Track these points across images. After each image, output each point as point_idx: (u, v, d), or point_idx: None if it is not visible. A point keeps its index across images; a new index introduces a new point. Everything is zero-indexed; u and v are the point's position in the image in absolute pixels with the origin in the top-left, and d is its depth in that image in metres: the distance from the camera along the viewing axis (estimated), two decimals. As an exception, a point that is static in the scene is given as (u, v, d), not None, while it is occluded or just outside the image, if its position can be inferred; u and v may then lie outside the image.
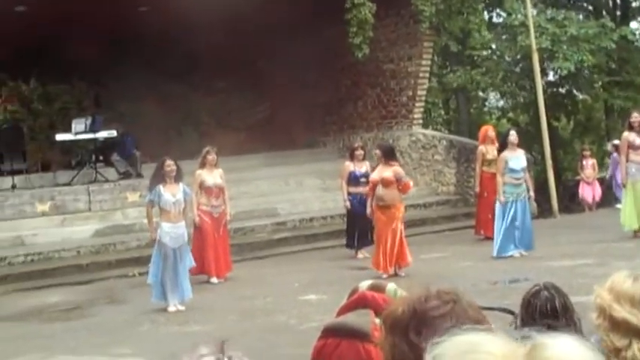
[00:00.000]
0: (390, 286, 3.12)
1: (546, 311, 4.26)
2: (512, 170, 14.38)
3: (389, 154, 13.85)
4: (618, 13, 30.78)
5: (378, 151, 13.96)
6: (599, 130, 33.14)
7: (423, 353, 2.00)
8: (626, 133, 15.11)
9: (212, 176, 14.23)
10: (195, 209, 13.80)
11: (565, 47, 23.43)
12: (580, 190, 22.21)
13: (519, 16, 23.26)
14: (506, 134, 15.05)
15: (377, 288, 3.11)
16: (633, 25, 30.74)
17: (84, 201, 18.28)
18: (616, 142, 19.97)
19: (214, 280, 14.06)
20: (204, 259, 14.02)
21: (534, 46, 20.67)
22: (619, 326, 3.26)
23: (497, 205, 14.46)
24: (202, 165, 14.30)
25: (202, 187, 14.14)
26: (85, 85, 22.09)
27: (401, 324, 2.07)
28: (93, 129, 18.88)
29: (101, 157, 19.73)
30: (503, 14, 28.31)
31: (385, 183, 13.43)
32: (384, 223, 13.41)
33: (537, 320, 4.26)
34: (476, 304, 2.10)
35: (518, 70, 27.70)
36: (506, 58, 27.87)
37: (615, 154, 20.35)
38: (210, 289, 13.66)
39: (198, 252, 13.83)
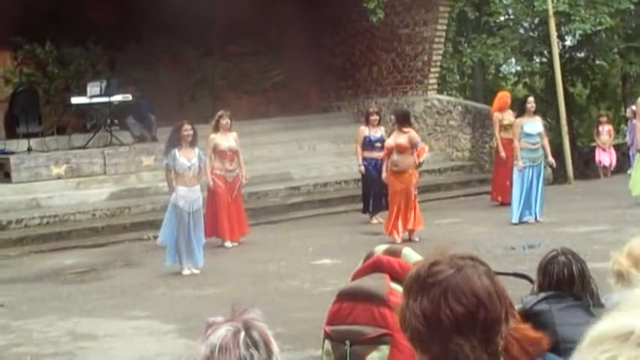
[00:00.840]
0: (406, 250, 3.11)
1: (563, 277, 4.24)
2: (528, 135, 14.33)
3: (404, 120, 13.83)
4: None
5: (393, 117, 13.95)
6: (616, 96, 32.96)
7: (420, 318, 2.00)
8: (640, 99, 15.08)
9: (226, 140, 14.21)
10: (209, 173, 13.78)
11: (582, 10, 23.18)
12: (596, 156, 22.14)
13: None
14: (524, 101, 14.95)
15: (393, 252, 3.10)
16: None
17: (99, 164, 18.31)
18: (634, 107, 19.90)
19: (228, 244, 14.10)
20: (218, 223, 14.07)
21: (551, 11, 20.51)
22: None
23: (515, 171, 14.41)
24: (216, 129, 14.28)
25: (216, 150, 14.12)
26: (99, 49, 22.01)
27: (406, 288, 2.07)
28: (108, 92, 18.87)
29: (116, 121, 19.73)
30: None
31: (400, 149, 13.42)
32: (398, 189, 13.40)
33: (553, 285, 4.25)
34: (492, 274, 2.08)
35: (535, 35, 27.49)
36: (524, 24, 27.64)
37: (634, 120, 20.28)
38: (224, 253, 13.70)
39: (212, 216, 13.90)
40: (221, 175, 14.16)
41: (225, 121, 14.24)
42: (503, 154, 16.27)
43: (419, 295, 2.01)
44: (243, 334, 2.21)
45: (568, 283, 4.21)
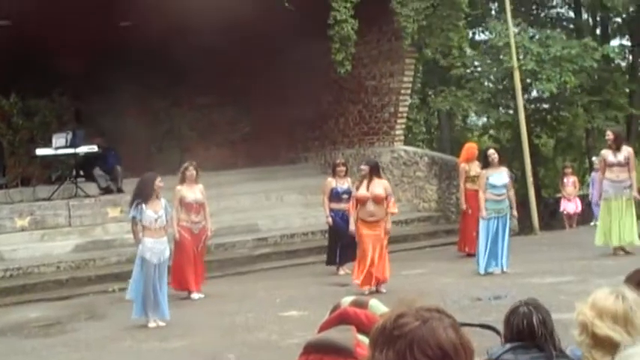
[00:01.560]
0: (373, 302, 3.11)
1: (523, 328, 4.25)
2: (493, 186, 14.41)
3: (377, 170, 13.94)
4: (598, 32, 31.00)
5: (365, 167, 13.95)
6: (580, 148, 33.30)
7: None
8: (603, 151, 15.37)
9: (192, 192, 14.17)
10: (175, 225, 13.73)
11: (548, 68, 23.54)
12: (561, 207, 22.32)
13: (503, 36, 23.37)
14: (485, 154, 15.06)
15: (359, 304, 3.10)
16: (614, 43, 30.98)
17: (64, 216, 18.19)
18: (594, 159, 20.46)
19: (195, 295, 14.01)
20: (185, 275, 13.97)
21: (515, 64, 20.79)
22: (602, 343, 3.27)
23: (481, 222, 14.49)
24: (182, 181, 14.25)
25: (182, 202, 14.08)
26: (66, 100, 22.01)
27: (372, 339, 2.08)
28: (74, 144, 18.81)
29: (82, 172, 19.64)
30: (487, 34, 28.45)
31: (377, 199, 13.47)
32: (372, 239, 13.41)
33: (515, 337, 4.26)
34: (457, 326, 2.08)
35: (501, 87, 27.82)
36: (491, 78, 27.98)
37: (594, 173, 20.82)
38: (191, 305, 13.61)
39: (179, 268, 13.81)
40: (187, 227, 14.12)
41: (190, 172, 14.21)
42: (464, 206, 16.45)
43: (385, 347, 2.01)
44: None
45: (529, 334, 4.22)
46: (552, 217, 24.58)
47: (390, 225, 13.98)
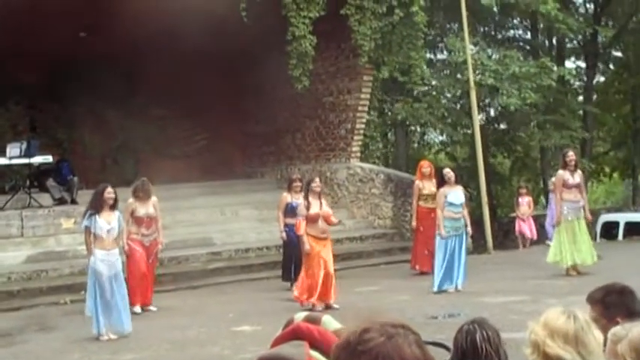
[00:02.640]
0: (326, 317, 3.10)
1: (466, 346, 4.26)
2: (451, 204, 14.48)
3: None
4: (554, 53, 31.36)
5: (318, 180, 14.00)
6: (535, 169, 33.60)
7: None
8: (560, 172, 15.33)
9: (144, 206, 14.06)
10: (124, 238, 13.54)
11: (507, 85, 23.77)
12: (516, 227, 22.48)
13: (461, 53, 23.57)
14: (441, 173, 15.13)
15: (312, 320, 3.09)
16: (568, 65, 31.36)
17: (16, 226, 18.00)
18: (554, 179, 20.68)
19: (137, 309, 13.82)
20: (137, 289, 13.83)
21: (472, 83, 20.95)
22: (552, 362, 3.29)
23: (438, 240, 14.53)
24: (135, 196, 14.17)
25: (133, 216, 13.98)
26: (21, 109, 21.80)
27: (334, 355, 2.06)
28: (28, 154, 18.61)
29: (36, 183, 19.45)
30: (445, 54, 28.69)
31: (326, 217, 13.55)
32: (326, 257, 13.43)
33: (459, 355, 4.27)
34: (422, 343, 2.06)
35: (458, 106, 28.01)
36: (447, 95, 28.17)
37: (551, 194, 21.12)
38: (143, 318, 13.49)
39: (132, 281, 13.62)
40: (138, 240, 14.01)
41: (141, 193, 14.11)
42: (414, 223, 16.56)
43: None
44: None
45: (472, 352, 4.22)
46: (506, 237, 24.78)
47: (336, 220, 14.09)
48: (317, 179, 14.08)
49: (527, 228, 22.14)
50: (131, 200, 14.07)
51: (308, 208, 13.50)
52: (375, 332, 2.03)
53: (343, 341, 2.06)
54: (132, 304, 13.63)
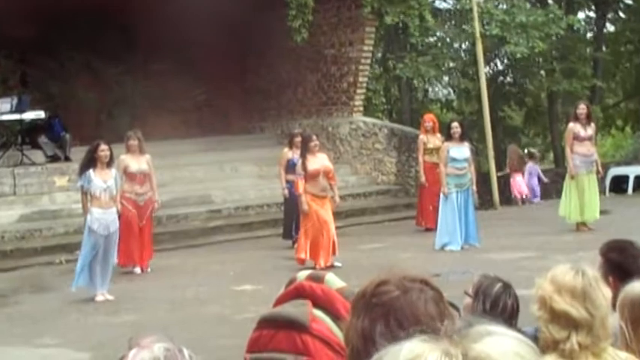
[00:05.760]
0: (329, 276, 3.13)
1: (513, 309, 4.35)
2: (454, 160, 14.48)
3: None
4: (563, 3, 31.14)
5: (315, 137, 14.01)
6: (544, 121, 33.50)
7: (362, 338, 2.00)
8: (571, 124, 15.28)
9: (137, 162, 13.90)
10: (118, 197, 13.39)
11: (514, 34, 23.68)
12: (513, 185, 22.68)
13: (467, 1, 23.43)
14: (449, 126, 15.15)
15: (315, 278, 3.12)
16: (580, 15, 31.19)
17: (9, 184, 17.99)
18: (532, 150, 21.46)
19: (137, 269, 13.89)
20: (128, 250, 13.77)
21: (478, 33, 20.82)
22: (559, 318, 3.32)
23: (441, 196, 14.57)
24: (127, 150, 14.06)
25: (126, 172, 13.73)
26: (12, 63, 21.70)
27: (352, 305, 2.08)
28: (19, 109, 18.54)
29: (28, 139, 19.39)
30: (449, 2, 28.52)
31: (326, 172, 13.56)
32: (326, 216, 13.47)
33: (492, 312, 4.32)
34: (440, 300, 2.06)
35: (465, 58, 27.91)
36: (454, 46, 28.06)
37: (530, 163, 21.87)
38: (141, 278, 13.58)
39: (123, 242, 13.44)
40: (131, 199, 13.83)
41: (131, 142, 13.97)
42: (422, 179, 16.57)
43: (361, 314, 2.02)
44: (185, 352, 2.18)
45: (509, 316, 4.31)
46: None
47: (338, 198, 14.18)
48: (314, 137, 14.04)
49: (523, 184, 22.46)
50: (123, 156, 13.91)
51: (305, 166, 13.47)
52: (392, 285, 2.03)
53: (360, 291, 2.07)
54: (127, 264, 13.69)
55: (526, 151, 24.02)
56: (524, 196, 22.46)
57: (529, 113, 33.08)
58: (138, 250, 13.92)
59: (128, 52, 22.32)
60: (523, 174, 22.96)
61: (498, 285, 4.44)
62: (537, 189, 23.12)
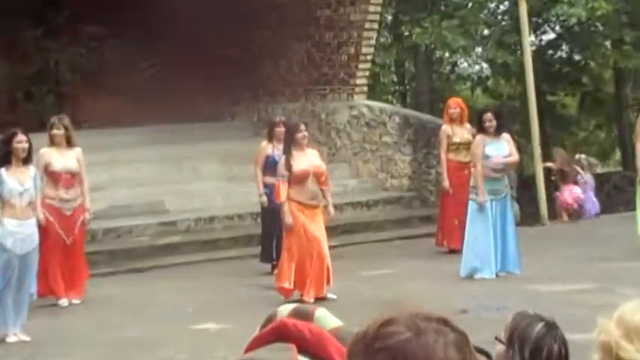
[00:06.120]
0: (320, 312, 3.12)
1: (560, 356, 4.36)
2: (489, 158, 14.45)
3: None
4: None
5: (303, 128, 13.95)
6: (609, 109, 33.47)
7: None
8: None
9: (62, 157, 13.78)
10: (38, 204, 13.03)
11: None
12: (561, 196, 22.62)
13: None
14: (480, 118, 15.03)
15: (302, 315, 3.11)
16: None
17: None
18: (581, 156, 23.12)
19: (63, 301, 13.81)
20: (50, 274, 13.69)
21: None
22: (629, 372, 3.31)
23: (471, 206, 14.51)
24: (50, 142, 13.95)
25: (47, 171, 13.67)
26: None
27: (348, 351, 2.08)
28: None
29: None
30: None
31: (319, 175, 13.52)
32: (315, 232, 13.42)
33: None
34: (465, 346, 2.06)
35: (504, 22, 27.95)
36: (489, 6, 28.11)
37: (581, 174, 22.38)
38: (68, 313, 13.54)
39: (43, 264, 13.37)
40: (54, 207, 13.72)
41: (55, 131, 13.88)
42: (446, 183, 16.54)
43: None
44: None
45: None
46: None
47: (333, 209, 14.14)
48: (302, 126, 14.01)
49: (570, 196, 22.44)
50: (44, 149, 13.80)
51: (290, 165, 13.44)
52: (401, 325, 2.03)
53: (360, 333, 2.07)
54: (49, 294, 13.61)
55: (577, 156, 23.94)
56: (571, 209, 22.44)
57: (586, 98, 33.08)
58: (64, 276, 13.83)
59: (51, 9, 22.29)
60: (576, 183, 22.92)
61: (540, 325, 4.44)
62: (595, 202, 23.08)
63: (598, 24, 26.73)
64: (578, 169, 23.26)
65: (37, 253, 12.46)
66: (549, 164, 22.20)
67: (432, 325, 2.05)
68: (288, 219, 13.42)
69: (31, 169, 12.39)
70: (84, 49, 23.62)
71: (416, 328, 2.03)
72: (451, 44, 25.67)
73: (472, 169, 14.74)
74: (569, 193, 22.37)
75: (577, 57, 30.62)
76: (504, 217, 14.58)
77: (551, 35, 30.71)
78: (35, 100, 22.66)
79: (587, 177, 23.37)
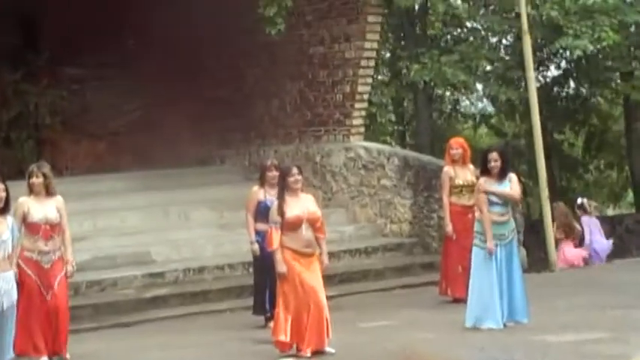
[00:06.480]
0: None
1: None
2: (492, 203, 14.40)
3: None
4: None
5: (296, 171, 13.87)
6: (618, 148, 33.50)
7: None
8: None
9: (42, 207, 13.70)
10: (14, 257, 12.82)
11: (575, 21, 23.70)
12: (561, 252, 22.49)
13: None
14: (485, 158, 14.95)
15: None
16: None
17: None
18: (582, 200, 22.96)
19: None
20: (29, 334, 13.58)
21: (525, 23, 20.68)
22: None
23: (475, 252, 14.46)
24: (30, 191, 13.88)
25: (25, 222, 13.53)
26: None
27: None
28: None
29: None
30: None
31: (313, 220, 13.44)
32: (311, 282, 13.34)
33: None
34: None
35: (507, 57, 27.99)
36: (491, 41, 28.16)
37: (585, 217, 22.26)
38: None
39: (21, 322, 13.24)
40: (32, 260, 13.64)
41: (33, 180, 13.78)
42: (449, 228, 16.50)
43: None
44: None
45: None
46: (578, 245, 24.80)
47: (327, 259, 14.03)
48: (295, 170, 13.92)
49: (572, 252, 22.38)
50: (23, 198, 13.72)
51: (283, 211, 13.38)
52: None
53: None
54: (26, 353, 13.49)
55: (579, 201, 23.85)
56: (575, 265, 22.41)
57: (592, 139, 33.00)
58: (40, 334, 13.67)
59: (30, 50, 22.32)
60: (575, 240, 22.87)
61: None
62: (603, 246, 23.01)
63: (606, 56, 26.73)
64: (583, 214, 23.20)
65: (15, 310, 12.37)
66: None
67: None
68: (281, 268, 13.33)
69: (9, 220, 12.32)
70: (65, 92, 23.65)
71: None
72: (451, 79, 25.70)
73: (477, 214, 14.68)
74: (567, 255, 22.33)
75: (585, 92, 30.66)
76: (510, 263, 14.51)
77: (557, 71, 30.77)
78: (14, 146, 22.65)
79: (593, 220, 23.32)
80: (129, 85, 23.90)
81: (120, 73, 23.66)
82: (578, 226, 22.80)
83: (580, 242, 22.55)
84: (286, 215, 13.30)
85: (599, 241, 22.85)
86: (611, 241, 23.06)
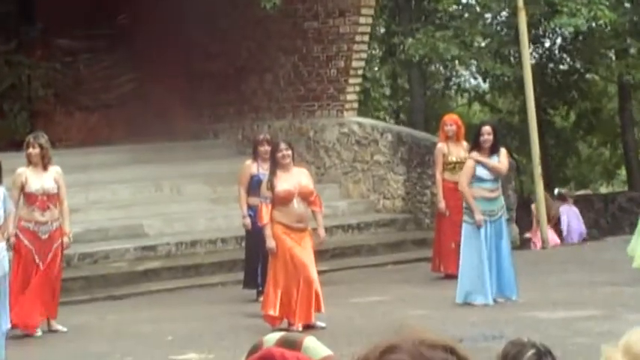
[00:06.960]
0: (309, 340, 3.12)
1: None
2: (482, 179, 14.44)
3: (293, 155, 13.98)
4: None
5: (288, 150, 13.88)
6: (612, 126, 33.45)
7: None
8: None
9: (39, 178, 13.74)
10: (10, 226, 13.13)
11: (570, 2, 23.70)
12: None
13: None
14: (478, 131, 15.03)
15: (289, 344, 3.11)
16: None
17: None
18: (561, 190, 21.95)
19: (38, 332, 13.75)
20: (25, 304, 13.61)
21: (521, 2, 20.75)
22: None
23: (465, 229, 14.50)
24: (28, 161, 13.89)
25: (24, 192, 13.61)
26: None
27: None
28: None
29: None
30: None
31: (304, 194, 13.47)
32: (301, 256, 13.37)
33: None
34: None
35: (502, 33, 27.96)
36: (486, 16, 28.12)
37: (564, 206, 22.21)
38: (40, 343, 13.49)
39: (16, 292, 13.25)
40: (29, 230, 13.65)
41: (30, 150, 13.79)
42: (442, 204, 16.53)
43: None
44: None
45: None
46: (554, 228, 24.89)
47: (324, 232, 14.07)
48: (283, 145, 13.93)
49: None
50: (21, 169, 13.74)
51: (273, 186, 13.40)
52: (404, 353, 2.02)
53: (360, 358, 2.06)
54: (22, 325, 13.54)
55: (556, 191, 23.97)
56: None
57: (583, 115, 32.94)
58: (36, 305, 13.72)
59: (22, 22, 22.27)
60: (556, 227, 22.92)
61: (530, 352, 4.43)
62: (581, 228, 23.15)
63: (601, 33, 26.74)
64: (562, 203, 23.27)
65: (7, 281, 12.41)
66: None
67: (438, 354, 2.04)
68: (270, 243, 13.38)
69: (1, 191, 12.34)
70: (58, 64, 23.59)
71: (420, 356, 2.02)
72: (443, 54, 25.68)
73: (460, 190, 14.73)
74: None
75: (578, 68, 30.64)
76: (499, 239, 14.55)
77: (552, 47, 30.74)
78: (7, 117, 22.62)
79: (573, 209, 23.39)
80: (122, 58, 23.86)
81: (113, 46, 23.62)
82: (555, 210, 22.90)
83: (555, 226, 22.61)
84: (276, 189, 13.34)
85: (576, 227, 23.00)
86: (585, 230, 23.22)
